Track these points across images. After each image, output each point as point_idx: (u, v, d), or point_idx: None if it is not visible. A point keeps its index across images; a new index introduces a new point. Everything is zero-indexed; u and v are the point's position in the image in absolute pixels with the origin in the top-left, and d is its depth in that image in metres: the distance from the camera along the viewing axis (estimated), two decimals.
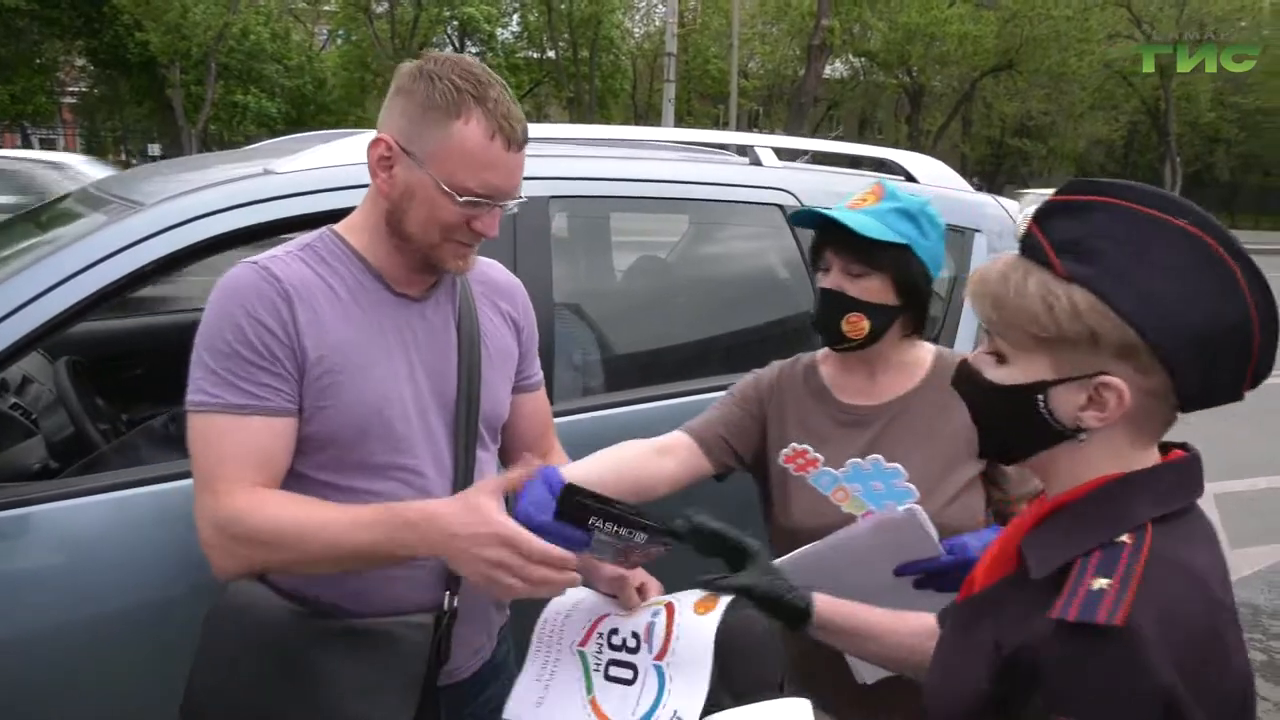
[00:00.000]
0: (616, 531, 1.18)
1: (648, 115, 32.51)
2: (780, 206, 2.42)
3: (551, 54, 32.25)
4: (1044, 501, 0.96)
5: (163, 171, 2.38)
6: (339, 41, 33.67)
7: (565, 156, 2.29)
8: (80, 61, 29.99)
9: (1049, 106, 31.66)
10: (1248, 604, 3.92)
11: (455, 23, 29.79)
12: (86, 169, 9.42)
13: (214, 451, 1.19)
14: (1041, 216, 0.91)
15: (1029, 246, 0.91)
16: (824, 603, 1.21)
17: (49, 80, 28.83)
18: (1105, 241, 0.86)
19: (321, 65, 32.38)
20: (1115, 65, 29.78)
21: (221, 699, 1.18)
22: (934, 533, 1.32)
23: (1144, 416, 0.89)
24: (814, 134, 22.78)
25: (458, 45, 30.48)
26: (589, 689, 1.28)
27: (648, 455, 1.53)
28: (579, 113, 30.08)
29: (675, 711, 1.16)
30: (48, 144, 36.20)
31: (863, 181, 2.65)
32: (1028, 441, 0.94)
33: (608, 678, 1.28)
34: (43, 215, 2.39)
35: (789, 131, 17.72)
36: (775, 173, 2.51)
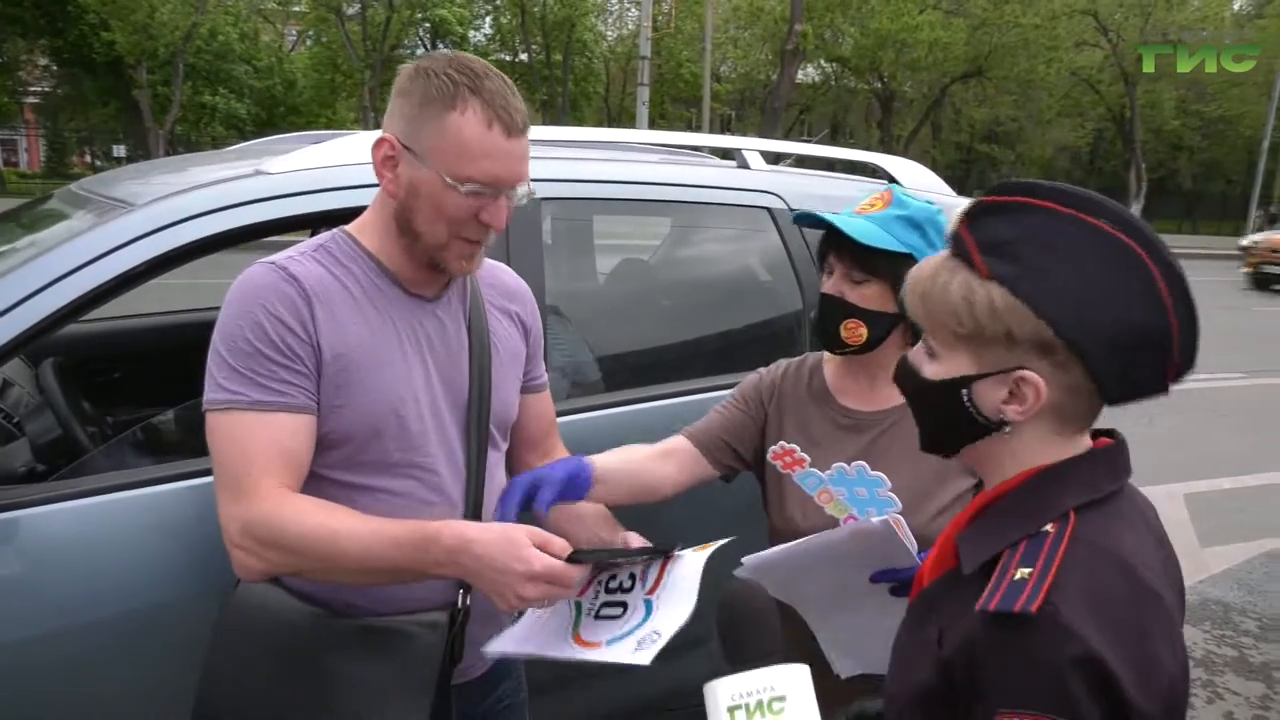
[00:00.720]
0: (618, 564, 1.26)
1: (620, 118, 32.49)
2: (768, 209, 2.43)
3: (524, 57, 32.15)
4: (982, 497, 0.99)
5: (148, 172, 2.35)
6: (309, 43, 33.37)
7: (555, 159, 2.29)
8: (44, 61, 29.43)
9: (1017, 113, 32.13)
10: (1218, 601, 3.96)
11: (427, 25, 29.63)
12: None
13: (239, 449, 1.18)
14: (969, 217, 0.93)
15: (957, 246, 0.93)
16: None
17: (10, 79, 28.22)
18: (1027, 242, 0.88)
19: (291, 66, 32.04)
20: (1082, 73, 30.24)
21: (235, 700, 1.17)
22: (913, 544, 1.32)
23: (1068, 409, 0.91)
24: (786, 138, 22.88)
25: (429, 47, 30.28)
26: (575, 628, 1.27)
27: (650, 459, 1.54)
28: (552, 116, 29.98)
29: (654, 630, 1.17)
30: (9, 145, 35.57)
31: (852, 185, 2.67)
32: (956, 434, 0.97)
33: (597, 618, 1.27)
34: (23, 216, 2.34)
35: (762, 135, 17.79)
36: (763, 175, 2.52)
